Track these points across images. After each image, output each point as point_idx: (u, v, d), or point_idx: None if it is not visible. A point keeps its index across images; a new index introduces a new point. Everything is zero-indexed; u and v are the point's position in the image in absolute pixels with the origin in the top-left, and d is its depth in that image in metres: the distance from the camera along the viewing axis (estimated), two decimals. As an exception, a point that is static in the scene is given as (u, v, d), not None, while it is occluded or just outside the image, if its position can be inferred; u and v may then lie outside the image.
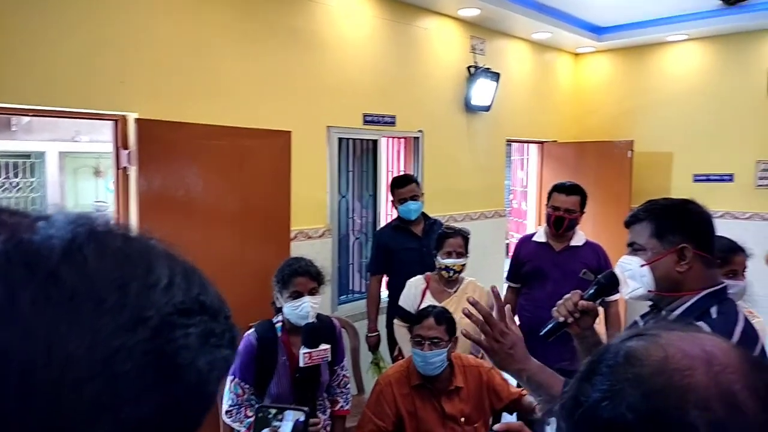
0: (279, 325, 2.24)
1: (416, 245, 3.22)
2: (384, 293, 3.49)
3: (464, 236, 2.83)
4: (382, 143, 4.00)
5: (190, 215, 2.84)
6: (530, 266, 2.99)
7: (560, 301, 1.43)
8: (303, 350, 2.11)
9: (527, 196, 5.88)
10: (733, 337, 1.22)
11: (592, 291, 1.46)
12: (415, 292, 2.89)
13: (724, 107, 4.90)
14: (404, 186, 3.24)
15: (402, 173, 3.89)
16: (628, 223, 1.44)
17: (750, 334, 1.25)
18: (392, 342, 3.29)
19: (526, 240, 3.15)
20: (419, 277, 2.94)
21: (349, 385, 2.39)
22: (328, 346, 2.15)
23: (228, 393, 2.15)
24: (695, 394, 0.48)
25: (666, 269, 1.33)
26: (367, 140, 3.89)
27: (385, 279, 3.43)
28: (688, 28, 4.77)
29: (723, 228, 4.68)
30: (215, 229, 2.95)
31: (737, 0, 3.31)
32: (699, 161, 5.03)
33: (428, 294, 2.89)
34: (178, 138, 2.77)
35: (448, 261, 2.77)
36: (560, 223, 2.88)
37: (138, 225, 2.66)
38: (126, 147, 2.75)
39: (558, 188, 2.95)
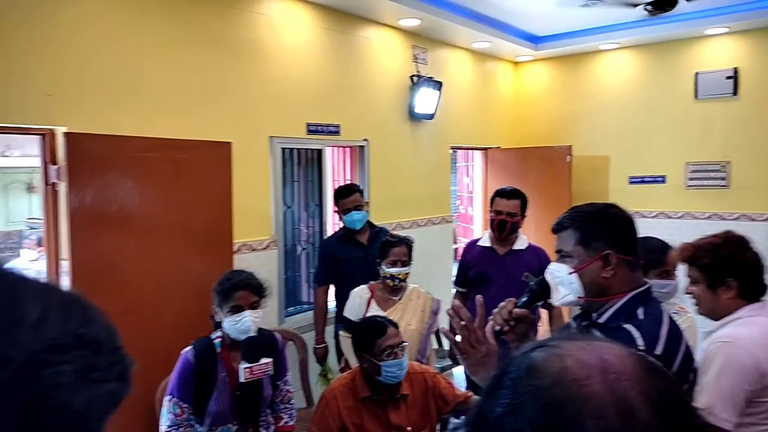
0: (218, 340, 2.18)
1: (362, 254, 3.21)
2: (332, 303, 3.47)
3: (408, 244, 2.84)
4: (327, 153, 3.99)
5: (126, 231, 2.74)
6: (475, 271, 3.03)
7: (496, 310, 1.45)
8: (243, 365, 2.06)
9: (473, 202, 5.98)
10: (659, 337, 1.26)
11: (525, 298, 1.48)
12: (359, 302, 2.88)
13: (655, 112, 5.14)
14: (348, 196, 3.24)
15: (346, 183, 3.89)
16: (555, 231, 1.46)
17: (674, 333, 1.30)
18: (341, 353, 3.26)
19: (472, 245, 3.20)
20: (363, 286, 2.93)
21: (293, 401, 2.35)
22: (269, 360, 2.11)
23: (166, 413, 2.07)
24: (591, 404, 0.49)
25: (592, 275, 1.36)
26: (312, 150, 3.87)
27: (332, 289, 3.41)
28: (618, 37, 4.99)
29: (657, 227, 4.90)
30: (153, 244, 2.85)
31: (661, 9, 3.47)
32: (634, 164, 5.25)
33: (373, 303, 2.88)
34: (109, 151, 2.67)
35: (393, 270, 2.77)
36: (503, 226, 2.95)
37: (70, 242, 2.55)
38: (55, 162, 2.64)
39: (499, 193, 3.03)
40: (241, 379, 2.05)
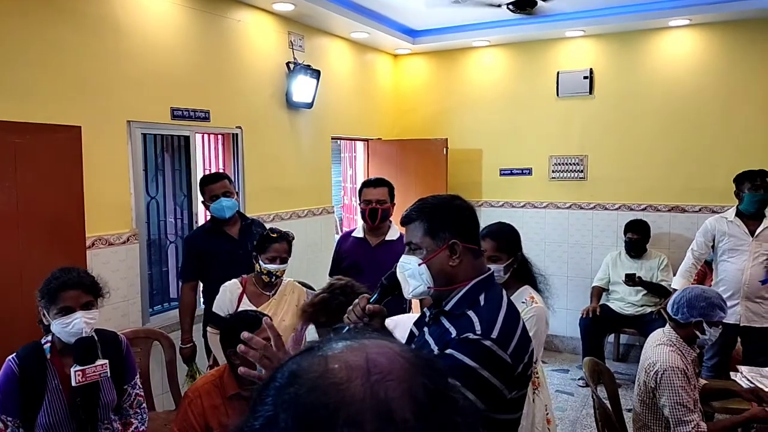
0: (48, 345, 1.95)
1: (231, 248, 3.07)
2: (201, 300, 3.28)
3: (289, 241, 2.76)
4: (196, 139, 3.76)
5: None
6: (348, 261, 3.02)
7: (350, 307, 1.47)
8: (74, 368, 1.86)
9: (356, 192, 5.99)
10: (496, 321, 1.32)
11: (376, 294, 1.50)
12: (230, 297, 2.75)
13: (522, 108, 5.45)
14: (216, 182, 3.08)
15: (213, 171, 3.70)
16: (403, 223, 1.48)
17: (511, 317, 1.36)
18: (210, 352, 3.10)
19: (347, 236, 3.19)
20: (234, 281, 2.80)
21: (144, 405, 2.17)
22: (105, 361, 1.91)
23: (-13, 428, 1.83)
24: (347, 409, 0.46)
25: (440, 265, 1.40)
26: (179, 136, 3.62)
27: (201, 285, 3.23)
28: (489, 35, 5.22)
29: (524, 216, 5.19)
30: (-14, 241, 2.51)
31: (522, 9, 3.67)
32: (504, 157, 5.55)
33: (245, 298, 2.76)
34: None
35: (271, 267, 2.68)
36: (374, 214, 2.96)
37: None
38: None
39: (366, 184, 3.06)
40: (73, 383, 1.85)
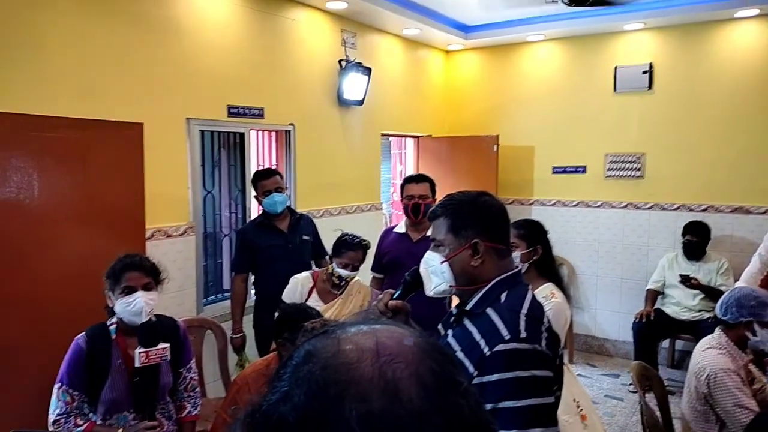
0: (113, 327, 2.09)
1: (281, 241, 3.17)
2: (252, 291, 3.40)
3: (365, 249, 2.83)
4: (251, 136, 3.88)
5: (25, 217, 2.58)
6: (389, 257, 3.06)
7: (374, 302, 1.47)
8: (139, 349, 1.99)
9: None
10: (520, 317, 1.28)
11: (400, 290, 1.49)
12: (301, 290, 2.84)
13: (577, 104, 5.31)
14: (268, 177, 3.18)
15: (266, 167, 3.81)
16: (430, 219, 1.47)
17: (535, 313, 1.32)
18: (260, 342, 3.21)
19: (389, 231, 3.23)
20: (306, 274, 2.89)
21: (197, 389, 2.29)
22: (166, 345, 2.04)
23: (55, 401, 1.98)
24: (356, 387, 0.49)
25: (462, 264, 1.38)
26: (234, 133, 3.76)
27: (252, 278, 3.34)
28: (544, 29, 5.11)
29: (577, 215, 5.09)
30: (58, 232, 2.70)
31: (579, 3, 3.58)
32: (557, 154, 5.43)
33: (314, 293, 2.85)
34: (5, 131, 2.48)
35: (343, 272, 2.77)
36: (417, 209, 2.98)
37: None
38: (-61, 140, 2.43)
39: (408, 180, 3.10)
40: (137, 364, 1.98)
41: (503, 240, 1.41)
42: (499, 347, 1.24)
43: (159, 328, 2.06)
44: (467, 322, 1.36)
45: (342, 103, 4.48)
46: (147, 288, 2.06)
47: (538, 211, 5.48)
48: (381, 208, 5.16)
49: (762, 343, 2.38)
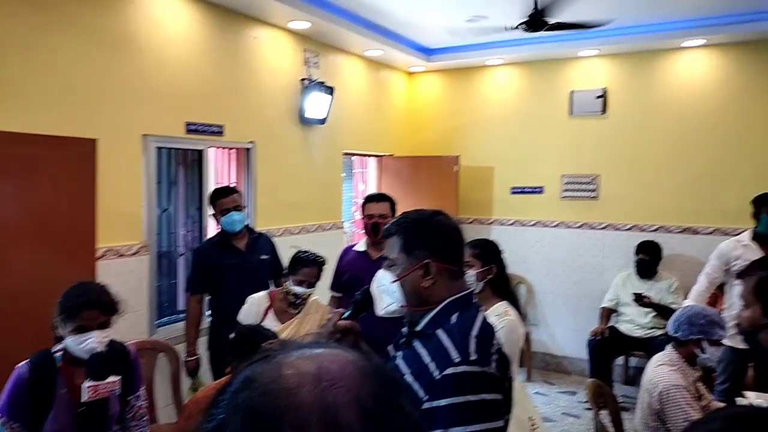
0: (59, 354, 2.00)
1: (239, 261, 3.11)
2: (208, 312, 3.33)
3: (320, 266, 2.80)
4: (210, 154, 3.83)
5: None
6: (349, 275, 3.04)
7: (323, 323, 1.44)
8: (87, 383, 1.90)
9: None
10: (470, 338, 1.27)
11: (350, 310, 1.46)
12: (257, 310, 2.79)
13: (535, 126, 5.46)
14: (227, 196, 3.13)
15: (225, 185, 3.76)
16: (384, 237, 1.45)
17: (485, 334, 1.32)
18: (215, 365, 3.14)
19: (349, 249, 3.22)
20: (263, 294, 2.84)
21: (146, 417, 2.20)
22: (117, 378, 1.96)
23: (-5, 436, 1.87)
24: (295, 414, 0.48)
25: (413, 284, 1.35)
26: (193, 150, 3.70)
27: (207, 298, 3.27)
28: (503, 53, 5.25)
29: (535, 235, 5.18)
30: (2, 251, 2.58)
31: (534, 29, 3.70)
32: (515, 175, 5.55)
33: (271, 313, 2.79)
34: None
35: (299, 290, 2.73)
36: (377, 228, 2.99)
37: None
38: None
39: (368, 199, 3.11)
40: (84, 399, 1.89)
41: (456, 261, 1.39)
42: (449, 370, 1.22)
43: (109, 358, 1.98)
44: (417, 344, 1.34)
45: (304, 121, 4.47)
46: (103, 326, 1.97)
47: (497, 230, 5.57)
48: (342, 227, 5.14)
49: (710, 360, 2.46)
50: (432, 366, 1.25)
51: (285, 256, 3.35)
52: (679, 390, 2.34)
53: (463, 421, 1.19)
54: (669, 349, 2.53)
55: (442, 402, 1.21)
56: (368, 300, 1.45)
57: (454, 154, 5.51)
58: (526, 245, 5.48)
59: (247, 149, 4.05)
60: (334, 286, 3.16)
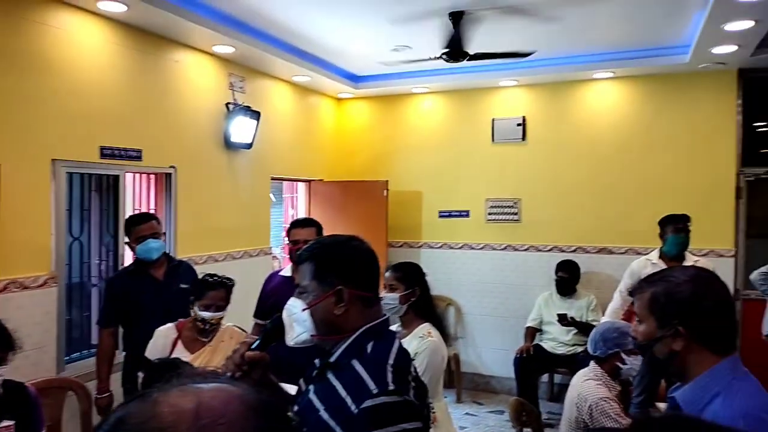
0: None
1: (155, 290, 2.98)
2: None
3: (228, 288, 2.69)
4: (127, 179, 3.68)
5: None
6: (273, 300, 2.98)
7: (229, 354, 1.36)
8: None
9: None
10: (387, 368, 1.25)
11: (258, 340, 1.38)
12: (164, 342, 2.64)
13: (460, 152, 5.63)
14: (143, 222, 3.00)
15: (142, 211, 3.62)
16: (297, 263, 1.39)
17: (402, 360, 1.31)
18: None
19: (274, 275, 3.17)
20: (170, 325, 2.70)
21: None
22: (11, 423, 1.81)
23: None
24: None
25: (324, 312, 1.31)
26: (107, 175, 3.54)
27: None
28: (428, 82, 5.41)
29: (462, 257, 5.29)
30: None
31: (455, 59, 3.85)
32: (442, 199, 5.68)
33: (179, 344, 2.66)
34: None
35: (206, 314, 2.60)
36: None
37: None
38: None
39: (294, 224, 3.07)
40: None
41: (370, 287, 1.35)
42: (368, 403, 1.19)
43: (3, 400, 1.82)
44: (331, 376, 1.30)
45: (229, 146, 4.39)
46: None
47: (426, 253, 5.66)
48: (270, 253, 5.05)
49: (633, 370, 2.58)
50: (349, 400, 1.22)
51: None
52: (607, 402, 2.45)
53: None
54: (592, 365, 2.64)
55: None
56: (279, 329, 1.39)
57: (383, 179, 5.58)
58: (454, 267, 5.59)
59: (168, 174, 3.93)
60: (258, 313, 3.09)
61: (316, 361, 1.40)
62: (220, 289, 2.64)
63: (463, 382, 5.37)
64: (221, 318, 2.66)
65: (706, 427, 0.49)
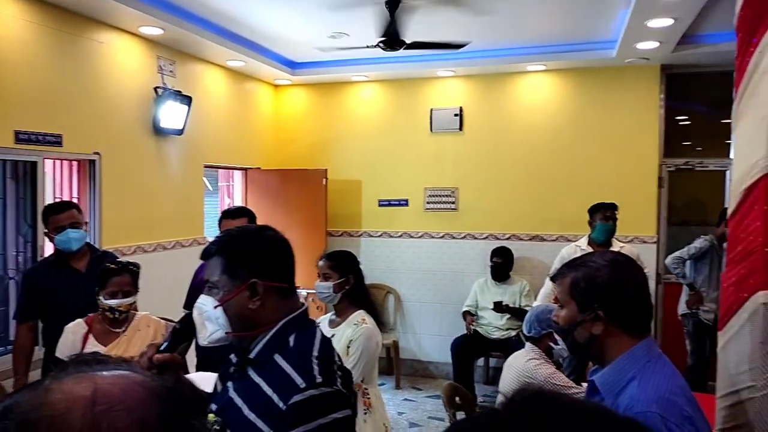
0: None
1: (76, 283, 2.83)
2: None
3: (132, 272, 2.57)
4: (46, 165, 3.47)
5: None
6: (203, 291, 2.90)
7: (137, 357, 1.30)
8: None
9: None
10: (312, 361, 1.24)
11: (167, 341, 1.31)
12: (73, 339, 2.52)
13: (399, 141, 5.65)
14: (62, 212, 2.84)
15: (62, 200, 3.44)
16: (203, 258, 1.33)
17: (326, 350, 1.29)
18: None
19: (204, 265, 3.06)
20: (79, 320, 2.57)
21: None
22: None
23: None
24: None
25: (239, 307, 1.26)
26: (24, 162, 3.33)
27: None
28: (367, 70, 5.39)
29: (402, 245, 5.34)
30: None
31: (391, 47, 3.85)
32: (382, 188, 5.69)
33: (91, 338, 2.54)
34: None
35: (113, 302, 2.48)
36: None
37: None
38: None
39: (225, 214, 3.01)
40: None
41: (286, 278, 1.32)
42: (296, 398, 1.17)
43: None
44: (252, 373, 1.25)
45: (159, 132, 4.23)
46: None
47: (366, 242, 5.67)
48: (204, 243, 4.90)
49: (564, 351, 2.70)
50: (276, 398, 1.19)
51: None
52: (558, 374, 2.57)
53: None
54: (530, 346, 2.75)
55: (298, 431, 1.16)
56: (189, 329, 1.34)
57: (322, 167, 5.53)
58: (393, 256, 5.63)
59: (92, 161, 3.73)
60: (188, 304, 3.01)
61: (232, 357, 1.36)
62: (123, 275, 2.52)
63: (402, 368, 5.44)
64: (131, 304, 2.55)
65: (570, 407, 0.51)
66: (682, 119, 5.86)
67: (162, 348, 1.29)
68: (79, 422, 0.46)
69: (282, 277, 1.31)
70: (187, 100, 4.34)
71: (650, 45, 4.35)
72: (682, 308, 4.61)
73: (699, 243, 4.46)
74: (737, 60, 1.50)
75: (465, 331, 4.95)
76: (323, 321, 2.67)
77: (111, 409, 0.47)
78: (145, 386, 0.52)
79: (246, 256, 1.29)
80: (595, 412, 0.53)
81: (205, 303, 1.29)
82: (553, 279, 1.48)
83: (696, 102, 5.72)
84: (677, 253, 4.50)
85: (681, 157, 5.27)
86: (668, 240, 5.20)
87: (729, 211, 1.61)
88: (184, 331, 1.36)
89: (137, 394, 0.50)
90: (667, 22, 3.80)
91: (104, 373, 0.53)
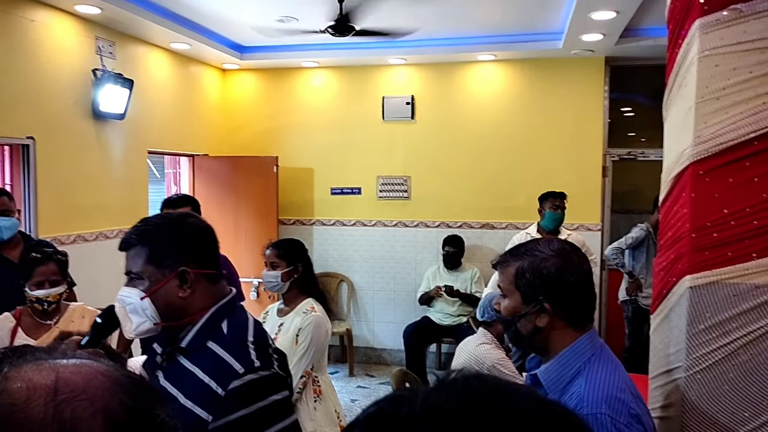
0: None
1: (8, 273, 2.70)
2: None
3: (59, 261, 2.46)
4: (-27, 151, 3.27)
5: None
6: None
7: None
8: None
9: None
10: (248, 346, 1.23)
11: (88, 336, 1.27)
12: (0, 335, 2.40)
13: (351, 129, 5.61)
14: None
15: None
16: (122, 249, 1.29)
17: (260, 339, 1.29)
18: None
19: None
20: (6, 314, 2.45)
21: None
22: None
23: None
24: (25, 430, 0.44)
25: (168, 297, 1.24)
26: (-52, 147, 3.13)
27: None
28: (317, 56, 5.31)
29: (355, 234, 5.35)
30: None
31: (341, 33, 3.80)
32: (334, 176, 5.65)
33: (20, 333, 2.43)
34: None
35: (39, 293, 2.37)
36: None
37: None
38: None
39: (166, 203, 2.92)
40: None
41: (213, 264, 1.31)
42: (235, 383, 1.17)
43: None
44: (185, 361, 1.24)
45: (98, 116, 4.04)
46: None
47: (318, 230, 5.62)
48: (150, 233, 4.75)
49: None
50: (213, 384, 1.18)
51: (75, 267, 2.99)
52: (507, 361, 2.62)
53: (259, 428, 1.17)
54: (482, 331, 2.80)
55: (232, 417, 1.16)
56: (113, 322, 1.30)
57: (272, 155, 5.43)
58: (346, 244, 5.61)
59: (26, 146, 3.54)
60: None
61: (155, 346, 1.34)
62: (48, 264, 2.41)
63: (355, 356, 5.45)
64: (60, 294, 2.44)
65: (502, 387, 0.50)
66: (627, 111, 6.06)
67: (83, 343, 1.25)
68: (41, 411, 0.45)
69: (210, 263, 1.30)
70: (129, 83, 4.16)
71: (594, 37, 4.46)
72: (622, 295, 4.78)
73: (635, 233, 4.61)
74: (668, 52, 1.55)
75: (417, 318, 5.00)
76: (272, 309, 2.64)
77: (74, 398, 0.47)
78: (108, 375, 0.51)
79: (172, 244, 1.26)
80: (527, 394, 0.53)
81: (129, 295, 1.26)
82: (495, 266, 1.40)
83: (639, 94, 5.92)
84: (615, 244, 4.65)
85: (625, 147, 5.44)
86: (611, 227, 5.38)
87: (660, 199, 1.66)
88: (105, 324, 1.30)
89: (100, 384, 0.49)
90: (610, 14, 3.89)
91: (65, 361, 0.52)
